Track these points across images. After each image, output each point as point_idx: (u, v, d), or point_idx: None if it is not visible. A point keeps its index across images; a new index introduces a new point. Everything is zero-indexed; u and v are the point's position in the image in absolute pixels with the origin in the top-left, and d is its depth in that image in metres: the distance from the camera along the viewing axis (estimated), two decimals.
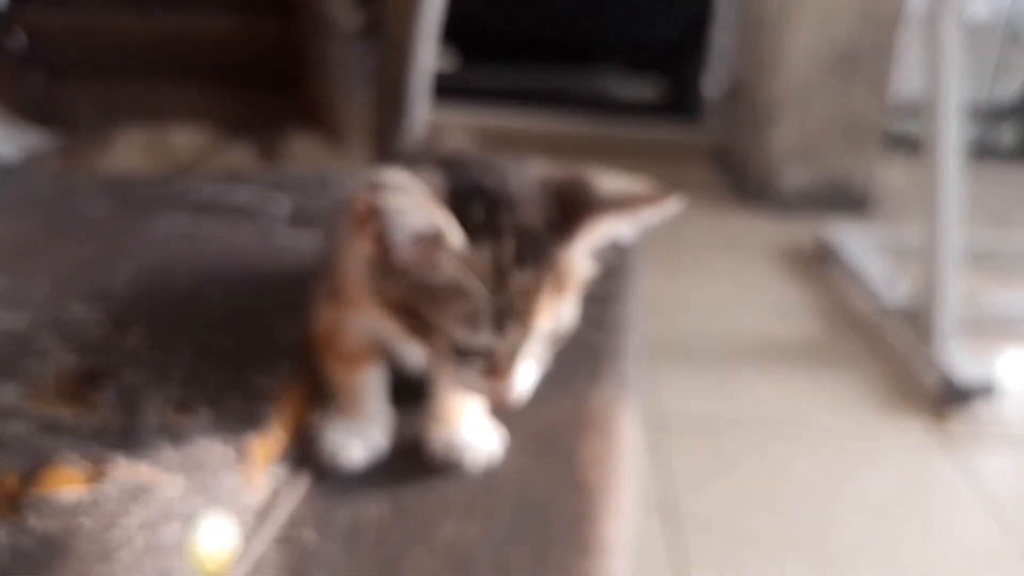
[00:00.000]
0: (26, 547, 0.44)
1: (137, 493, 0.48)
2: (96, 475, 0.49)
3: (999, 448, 1.60)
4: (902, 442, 1.60)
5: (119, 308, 0.65)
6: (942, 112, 1.80)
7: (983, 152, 3.40)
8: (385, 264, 0.47)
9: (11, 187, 1.05)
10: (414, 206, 0.44)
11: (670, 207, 0.48)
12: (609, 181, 0.49)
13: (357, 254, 0.50)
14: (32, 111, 2.01)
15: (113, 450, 0.50)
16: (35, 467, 0.48)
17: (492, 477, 0.54)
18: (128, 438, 0.51)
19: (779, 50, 2.82)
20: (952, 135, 1.80)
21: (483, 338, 0.46)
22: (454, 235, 0.45)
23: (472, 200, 0.46)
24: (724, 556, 1.27)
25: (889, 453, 1.57)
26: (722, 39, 3.88)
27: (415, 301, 0.47)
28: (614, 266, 0.90)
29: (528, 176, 0.50)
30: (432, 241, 0.45)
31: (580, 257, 0.49)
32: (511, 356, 0.47)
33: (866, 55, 2.81)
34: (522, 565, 0.47)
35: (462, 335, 0.46)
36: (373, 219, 0.45)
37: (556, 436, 0.59)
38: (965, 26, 3.65)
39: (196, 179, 0.99)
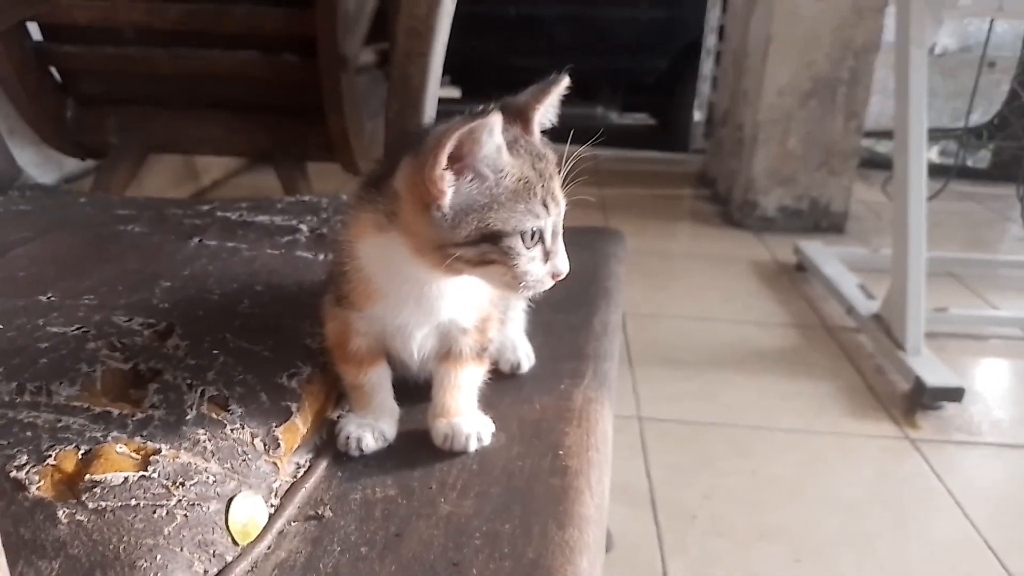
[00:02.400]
0: (83, 522, 0.49)
1: (179, 477, 0.53)
2: (143, 462, 0.53)
3: (967, 448, 1.64)
4: (874, 443, 1.64)
5: (158, 317, 0.70)
6: (910, 136, 1.84)
7: (960, 173, 3.47)
8: (446, 214, 0.54)
9: (53, 209, 1.10)
10: (497, 125, 0.54)
11: (565, 81, 0.60)
12: (514, 97, 0.60)
13: (419, 226, 0.56)
14: (66, 140, 2.07)
15: (157, 440, 0.55)
16: (90, 454, 0.53)
17: (485, 462, 0.59)
18: (170, 430, 0.56)
19: (761, 79, 2.87)
20: (919, 158, 1.84)
21: (541, 220, 0.56)
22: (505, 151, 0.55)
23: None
24: (701, 547, 1.31)
25: (862, 453, 1.61)
26: (707, 69, 3.94)
27: (486, 223, 0.55)
28: (598, 278, 0.96)
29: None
30: (502, 149, 0.55)
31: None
32: (556, 237, 0.58)
33: (844, 83, 2.86)
34: (509, 536, 0.52)
35: (530, 223, 0.55)
36: (467, 144, 0.53)
37: (542, 428, 0.64)
38: (943, 54, 3.71)
39: (224, 204, 1.04)
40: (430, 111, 1.17)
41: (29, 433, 0.54)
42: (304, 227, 0.96)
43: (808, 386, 1.84)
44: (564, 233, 0.60)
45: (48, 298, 0.75)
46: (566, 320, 0.84)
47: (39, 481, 0.50)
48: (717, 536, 1.34)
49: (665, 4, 4.36)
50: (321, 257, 0.89)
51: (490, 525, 0.53)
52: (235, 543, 0.52)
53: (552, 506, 0.54)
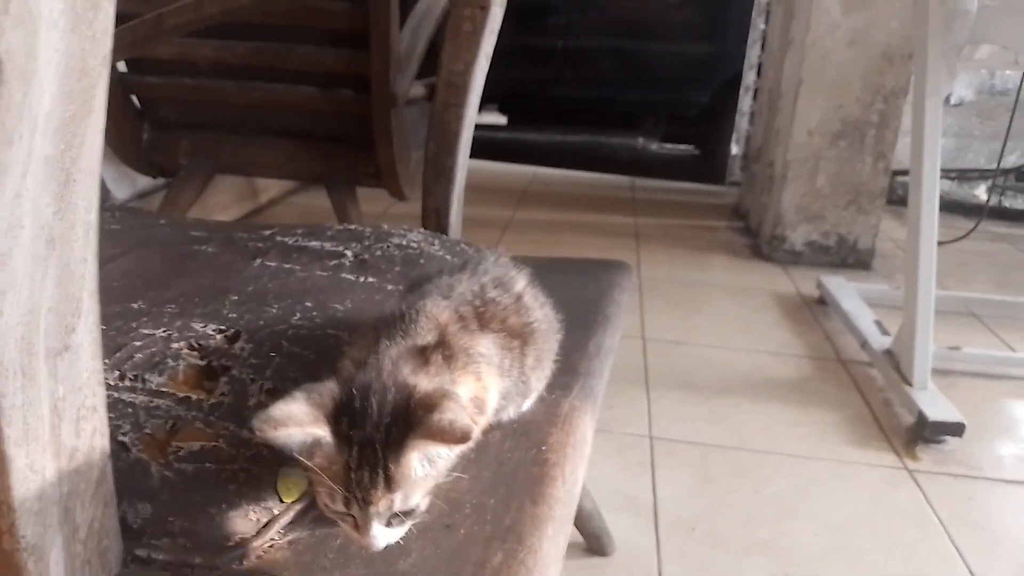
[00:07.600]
0: (169, 477, 0.65)
1: (242, 448, 0.68)
2: (215, 435, 0.69)
3: (964, 481, 1.73)
4: (873, 472, 1.73)
5: (227, 325, 0.86)
6: (923, 179, 1.94)
7: (996, 214, 3.51)
8: None
9: (138, 229, 1.28)
10: (296, 429, 0.59)
11: (467, 446, 0.60)
12: (444, 411, 0.59)
13: None
14: (142, 160, 2.29)
15: (226, 421, 0.71)
16: (175, 427, 0.69)
17: (481, 452, 0.74)
18: (236, 413, 0.72)
19: (792, 119, 2.98)
20: (931, 199, 1.93)
21: (338, 510, 0.61)
22: (326, 441, 0.60)
23: (343, 415, 0.60)
24: (697, 557, 1.43)
25: (859, 480, 1.70)
26: (746, 105, 4.05)
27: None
28: (600, 306, 1.09)
29: (403, 390, 0.61)
30: (314, 444, 0.60)
31: (416, 463, 0.60)
32: (365, 523, 0.60)
33: (873, 126, 2.95)
34: (493, 508, 0.66)
35: (328, 502, 0.61)
36: None
37: (531, 428, 0.78)
38: (959, 104, 3.77)
39: (283, 229, 1.21)
40: (464, 152, 1.33)
41: (130, 410, 0.70)
42: (349, 252, 1.12)
43: (815, 415, 1.94)
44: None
45: (138, 305, 0.92)
46: (565, 341, 0.98)
47: (139, 444, 0.66)
48: (713, 547, 1.46)
49: (708, 39, 4.50)
50: (362, 279, 1.04)
51: (479, 499, 0.67)
52: (281, 500, 0.67)
53: (530, 488, 0.68)
